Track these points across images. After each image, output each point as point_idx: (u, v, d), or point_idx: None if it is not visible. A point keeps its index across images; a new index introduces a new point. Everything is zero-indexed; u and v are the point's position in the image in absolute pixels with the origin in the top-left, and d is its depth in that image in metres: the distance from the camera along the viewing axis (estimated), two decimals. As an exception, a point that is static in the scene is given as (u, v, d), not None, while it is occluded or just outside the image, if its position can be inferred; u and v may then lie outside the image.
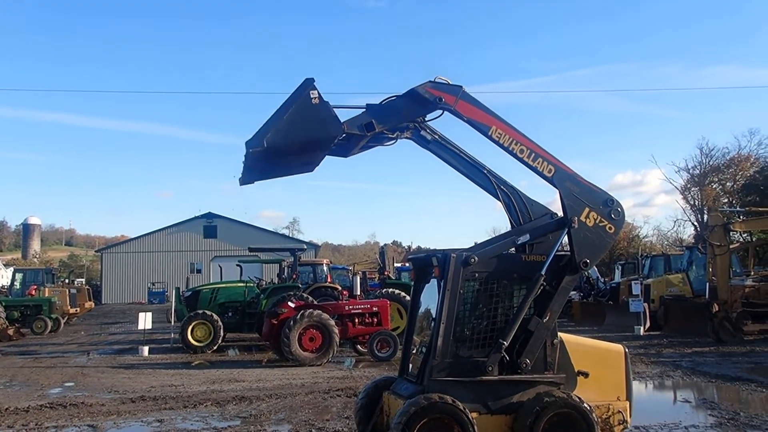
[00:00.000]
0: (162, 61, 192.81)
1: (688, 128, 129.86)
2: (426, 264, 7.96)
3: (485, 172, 7.74)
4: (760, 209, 26.19)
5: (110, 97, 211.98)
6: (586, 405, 7.04)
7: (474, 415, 6.89)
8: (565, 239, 7.55)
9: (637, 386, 12.73)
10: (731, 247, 22.28)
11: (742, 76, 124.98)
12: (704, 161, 54.71)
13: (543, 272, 7.25)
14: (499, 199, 7.71)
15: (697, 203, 55.09)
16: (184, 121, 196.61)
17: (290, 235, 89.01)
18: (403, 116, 7.45)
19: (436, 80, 7.38)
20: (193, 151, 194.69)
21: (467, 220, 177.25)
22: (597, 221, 7.43)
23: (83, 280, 65.67)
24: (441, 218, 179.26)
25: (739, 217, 25.40)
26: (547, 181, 7.47)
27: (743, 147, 52.68)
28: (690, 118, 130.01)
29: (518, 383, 7.22)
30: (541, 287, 7.30)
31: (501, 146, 7.41)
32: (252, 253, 30.07)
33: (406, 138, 7.64)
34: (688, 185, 55.92)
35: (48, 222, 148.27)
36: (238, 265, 27.07)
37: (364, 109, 7.47)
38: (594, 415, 7.05)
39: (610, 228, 7.49)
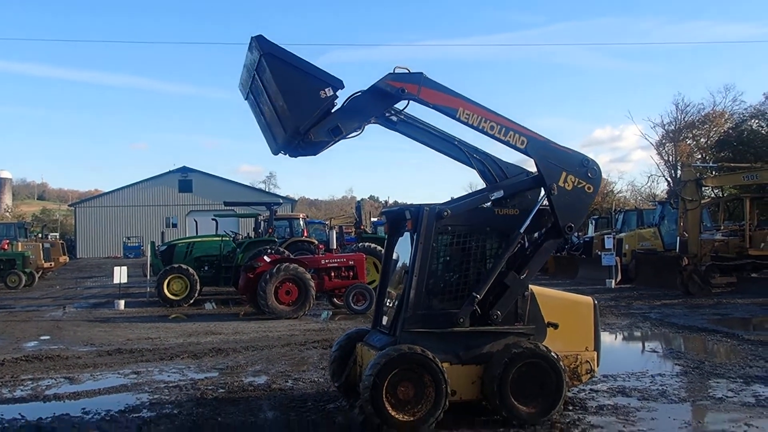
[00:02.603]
0: (137, 10, 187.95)
1: (665, 84, 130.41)
2: (399, 217, 8.02)
3: (456, 143, 7.80)
4: (732, 165, 26.58)
5: (83, 47, 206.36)
6: (553, 354, 7.23)
7: (445, 365, 7.04)
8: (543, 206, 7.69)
9: (606, 337, 13.09)
10: (702, 202, 22.63)
11: (719, 32, 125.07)
12: (679, 117, 55.10)
13: (522, 230, 7.42)
14: (473, 167, 7.81)
15: (671, 159, 55.59)
16: (159, 72, 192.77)
17: (267, 190, 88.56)
18: (368, 114, 7.41)
19: (395, 71, 7.32)
20: (168, 104, 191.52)
21: (444, 176, 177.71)
22: (575, 184, 7.56)
23: (57, 234, 64.88)
24: (418, 174, 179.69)
25: (711, 173, 25.79)
26: (521, 152, 7.58)
27: (718, 103, 53.12)
28: (667, 73, 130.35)
29: (489, 334, 7.37)
30: (519, 245, 7.46)
31: (471, 126, 7.46)
32: (227, 208, 29.95)
33: (373, 123, 7.61)
34: (663, 141, 56.34)
35: (19, 176, 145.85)
36: (213, 219, 26.93)
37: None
38: (561, 363, 7.24)
39: (588, 188, 7.62)
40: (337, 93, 7.15)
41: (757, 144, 42.15)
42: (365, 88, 7.33)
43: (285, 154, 7.71)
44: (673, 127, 55.32)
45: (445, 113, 7.41)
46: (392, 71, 7.29)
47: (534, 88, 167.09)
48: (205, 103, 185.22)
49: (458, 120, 7.38)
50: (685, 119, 54.90)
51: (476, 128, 7.42)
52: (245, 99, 7.98)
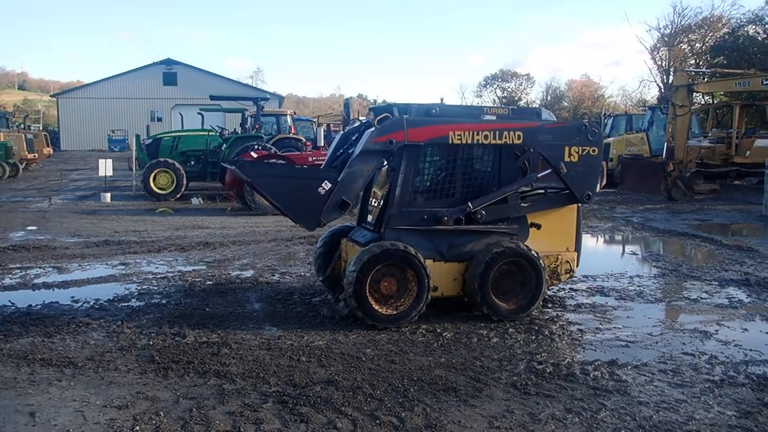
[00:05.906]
0: None
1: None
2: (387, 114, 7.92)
3: None
4: (726, 71, 26.27)
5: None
6: (533, 252, 7.38)
7: (428, 262, 7.17)
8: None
9: (588, 239, 13.33)
10: (692, 108, 22.55)
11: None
12: (676, 20, 53.95)
13: (538, 176, 7.63)
14: None
15: (664, 64, 54.88)
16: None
17: (254, 85, 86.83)
18: (367, 175, 7.34)
19: (377, 126, 7.14)
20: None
21: (435, 79, 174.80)
22: (580, 153, 7.59)
23: (40, 126, 63.88)
24: (408, 74, 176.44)
25: (703, 79, 25.48)
26: (522, 148, 7.50)
27: (716, 7, 52.06)
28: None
29: (472, 233, 7.48)
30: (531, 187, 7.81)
31: (467, 144, 7.33)
32: (213, 102, 29.40)
33: None
34: (658, 45, 55.41)
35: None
36: (199, 113, 26.54)
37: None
38: (542, 261, 7.41)
39: (593, 150, 7.66)
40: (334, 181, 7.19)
41: (753, 51, 41.51)
42: (354, 155, 7.23)
43: None
44: (668, 31, 54.28)
45: (438, 143, 7.35)
46: (375, 127, 7.18)
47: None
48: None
49: (452, 144, 7.29)
50: (682, 23, 53.79)
51: (472, 144, 7.35)
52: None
